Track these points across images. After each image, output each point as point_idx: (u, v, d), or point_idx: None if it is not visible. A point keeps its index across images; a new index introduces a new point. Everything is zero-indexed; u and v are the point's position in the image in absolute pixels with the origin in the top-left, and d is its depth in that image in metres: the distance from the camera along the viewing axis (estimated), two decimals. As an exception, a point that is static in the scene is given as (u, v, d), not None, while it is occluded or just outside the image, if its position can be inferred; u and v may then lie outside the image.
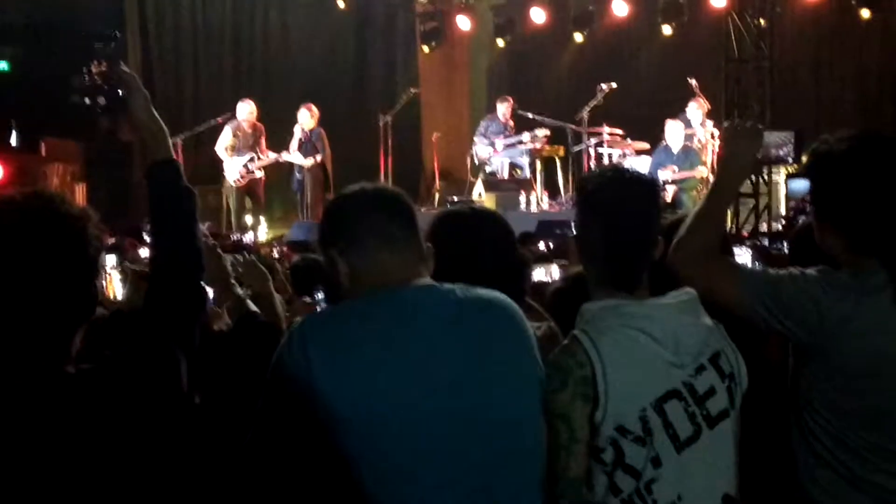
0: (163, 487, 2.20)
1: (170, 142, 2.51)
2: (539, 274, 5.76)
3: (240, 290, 3.65)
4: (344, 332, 2.34)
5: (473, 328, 2.40)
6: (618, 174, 2.89)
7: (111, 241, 8.20)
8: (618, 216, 2.74)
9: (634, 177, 2.85)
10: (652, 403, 2.61)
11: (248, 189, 13.62)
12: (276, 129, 14.03)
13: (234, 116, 13.52)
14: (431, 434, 2.30)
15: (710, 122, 13.84)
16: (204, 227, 4.24)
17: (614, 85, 14.68)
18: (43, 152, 13.55)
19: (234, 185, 13.48)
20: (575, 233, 2.86)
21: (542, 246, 8.75)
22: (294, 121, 13.73)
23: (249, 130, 13.54)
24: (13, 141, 13.73)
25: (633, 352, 2.62)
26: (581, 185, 2.99)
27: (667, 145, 13.44)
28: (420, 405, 2.30)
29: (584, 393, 2.58)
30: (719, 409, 2.69)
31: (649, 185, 2.88)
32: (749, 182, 12.85)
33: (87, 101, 2.38)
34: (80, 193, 13.81)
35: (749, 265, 4.38)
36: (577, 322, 2.73)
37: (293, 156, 13.61)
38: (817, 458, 2.88)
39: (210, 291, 3.99)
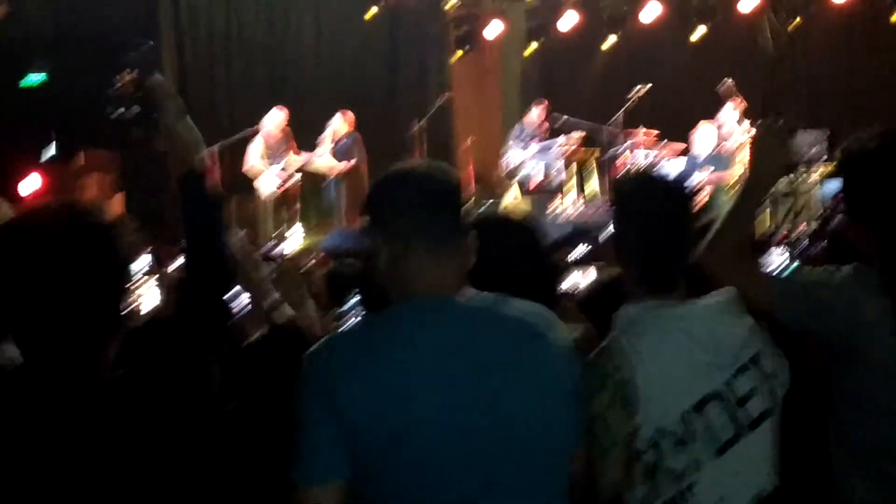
0: (195, 491, 2.22)
1: (203, 150, 2.52)
2: (574, 277, 5.75)
3: (277, 296, 3.67)
4: (367, 344, 2.32)
5: (504, 344, 2.36)
6: (649, 178, 2.91)
7: (147, 250, 8.27)
8: (650, 219, 2.75)
9: (666, 180, 2.86)
10: (692, 405, 2.60)
11: (284, 197, 13.67)
12: (309, 136, 14.07)
13: (263, 126, 13.57)
14: (450, 450, 2.27)
15: (746, 122, 13.75)
16: (242, 234, 4.27)
17: (649, 86, 14.63)
18: (80, 163, 13.67)
19: (273, 192, 13.54)
20: (612, 235, 2.87)
21: (576, 249, 8.73)
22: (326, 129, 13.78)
23: (280, 136, 13.59)
24: (51, 152, 13.86)
25: (673, 353, 2.61)
26: (616, 189, 3.01)
27: (701, 147, 13.38)
28: (440, 420, 2.27)
29: (623, 396, 2.57)
30: (761, 410, 2.68)
31: (681, 188, 2.88)
32: (786, 181, 12.75)
33: (120, 110, 2.39)
34: (117, 203, 13.92)
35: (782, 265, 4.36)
36: (614, 324, 2.73)
37: (324, 159, 13.60)
38: (853, 459, 2.86)
39: (247, 297, 4.02)
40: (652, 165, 13.17)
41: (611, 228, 2.89)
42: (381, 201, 2.45)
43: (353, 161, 13.55)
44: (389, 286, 2.42)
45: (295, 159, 13.54)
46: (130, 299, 2.28)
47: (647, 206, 2.77)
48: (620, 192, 2.91)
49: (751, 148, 3.07)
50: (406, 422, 2.25)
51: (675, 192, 2.83)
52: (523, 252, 2.99)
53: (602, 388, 2.59)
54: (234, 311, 3.10)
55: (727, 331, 2.67)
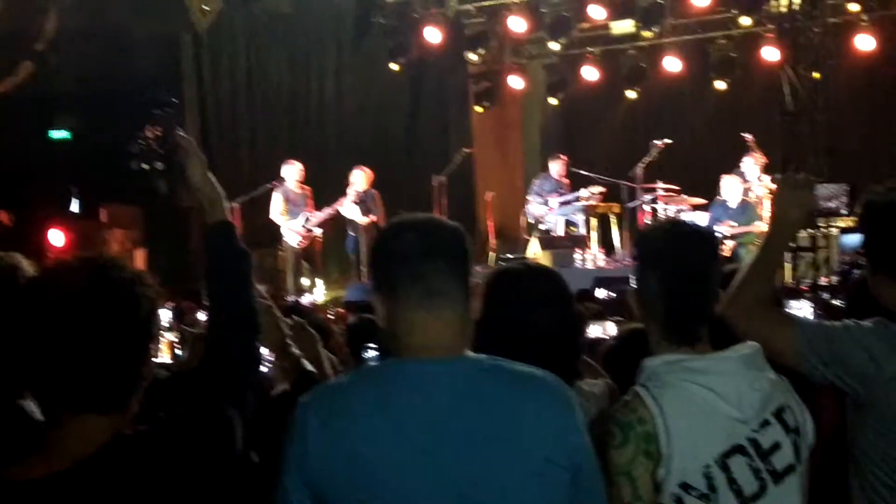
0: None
1: (226, 204, 2.53)
2: (595, 331, 5.74)
3: (296, 351, 3.67)
4: (343, 401, 2.28)
5: (486, 422, 2.24)
6: (676, 228, 2.88)
7: (170, 305, 8.30)
8: (676, 270, 2.72)
9: (693, 230, 2.83)
10: (716, 459, 2.58)
11: (305, 252, 13.74)
12: (331, 190, 14.15)
13: (282, 181, 13.66)
14: None
15: (766, 177, 13.75)
16: (262, 289, 4.28)
17: (668, 141, 14.68)
18: (103, 218, 13.76)
19: (295, 247, 13.60)
20: (634, 287, 2.84)
21: (598, 303, 8.71)
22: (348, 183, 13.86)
23: (299, 191, 13.68)
24: (74, 207, 13.97)
25: (696, 407, 2.59)
26: (639, 239, 2.98)
27: (724, 200, 13.40)
28: (408, 484, 2.20)
29: (646, 449, 2.55)
30: (785, 465, 2.66)
31: (708, 239, 2.85)
32: (807, 235, 12.74)
33: (144, 165, 2.41)
34: (140, 259, 13.99)
35: (804, 317, 4.33)
36: (637, 377, 2.71)
37: (350, 210, 13.67)
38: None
39: (267, 353, 4.02)
40: (675, 217, 13.16)
41: (634, 280, 2.85)
42: (378, 253, 2.40)
43: (372, 216, 13.62)
44: (387, 342, 2.38)
45: (317, 215, 13.60)
46: (153, 354, 2.29)
47: (673, 255, 2.74)
48: (645, 242, 2.87)
49: (771, 201, 3.06)
50: (369, 492, 2.20)
51: (703, 242, 2.79)
52: (547, 302, 2.97)
53: (625, 441, 2.57)
54: (261, 364, 3.10)
55: (751, 385, 2.65)
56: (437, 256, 2.32)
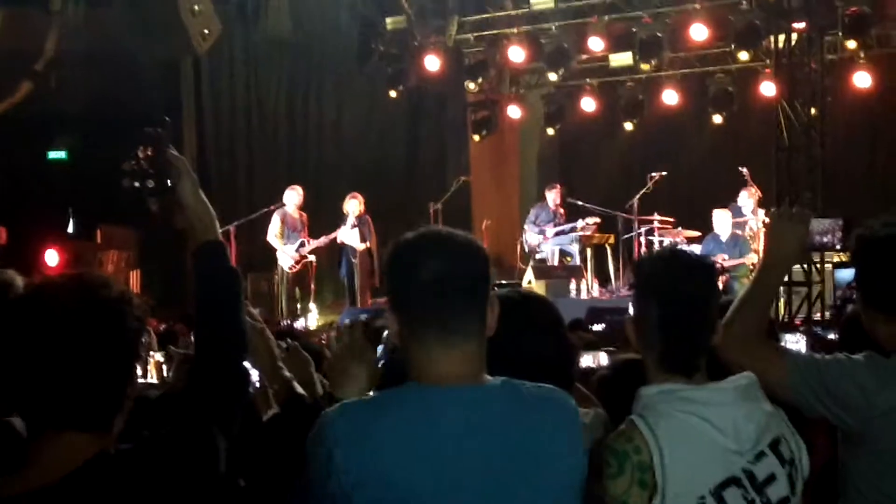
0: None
1: (217, 225, 2.52)
2: (587, 360, 5.74)
3: (287, 374, 3.66)
4: (365, 422, 2.28)
5: (506, 437, 2.27)
6: (675, 256, 2.87)
7: (163, 326, 8.29)
8: (674, 299, 2.70)
9: (692, 259, 2.82)
10: (711, 490, 2.56)
11: (300, 276, 13.75)
12: (328, 216, 14.18)
13: (282, 205, 13.69)
14: None
15: (761, 211, 13.79)
16: (256, 312, 4.27)
17: (664, 173, 14.73)
18: (98, 239, 13.77)
19: (287, 271, 13.62)
20: (631, 315, 2.83)
21: (591, 333, 8.71)
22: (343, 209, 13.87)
23: (297, 216, 13.71)
24: (70, 228, 13.98)
25: (691, 438, 2.58)
26: (638, 266, 2.97)
27: (715, 234, 13.47)
28: None
29: (641, 479, 2.54)
30: (780, 497, 2.64)
31: (707, 268, 2.83)
32: (801, 270, 12.76)
33: (135, 184, 2.40)
34: (134, 280, 13.99)
35: (797, 351, 4.33)
36: (634, 406, 2.70)
37: (348, 235, 13.68)
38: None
39: (257, 375, 4.01)
40: (674, 245, 13.21)
41: (631, 308, 2.84)
42: (396, 276, 2.38)
43: (366, 243, 13.65)
44: (404, 359, 2.38)
45: (313, 241, 13.63)
46: (138, 373, 2.28)
47: (671, 284, 2.72)
48: (643, 270, 2.86)
49: (766, 234, 3.06)
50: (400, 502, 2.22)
51: (701, 271, 2.78)
52: (540, 329, 2.96)
53: (621, 471, 2.55)
54: (249, 386, 3.09)
55: (746, 417, 2.64)
56: (456, 294, 2.31)
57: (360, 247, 13.61)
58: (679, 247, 11.87)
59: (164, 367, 5.27)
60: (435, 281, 2.29)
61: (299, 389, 3.62)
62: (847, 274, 12.08)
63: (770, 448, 2.65)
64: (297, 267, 13.66)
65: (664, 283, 2.73)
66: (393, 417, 2.28)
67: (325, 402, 3.01)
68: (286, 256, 13.60)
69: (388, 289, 2.40)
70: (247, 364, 2.52)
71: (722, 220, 13.50)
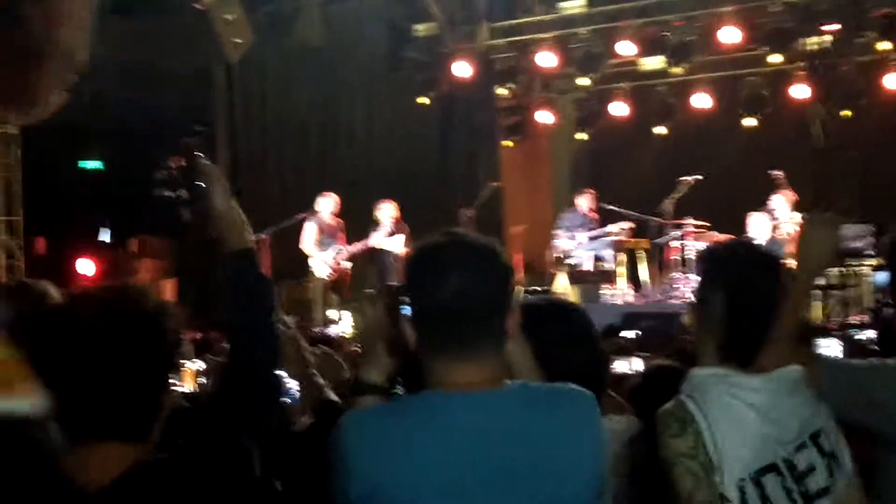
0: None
1: (249, 233, 2.54)
2: (621, 366, 5.72)
3: (321, 380, 3.68)
4: (383, 426, 2.30)
5: (526, 442, 2.27)
6: (744, 248, 2.89)
7: (198, 336, 8.33)
8: (743, 290, 2.72)
9: (761, 252, 2.84)
10: (751, 475, 2.59)
11: (335, 283, 13.77)
12: (359, 223, 14.21)
13: (315, 212, 13.72)
14: None
15: (796, 214, 13.70)
16: (290, 320, 4.29)
17: (698, 177, 14.67)
18: (133, 249, 13.87)
19: (325, 279, 13.64)
20: (695, 303, 2.84)
21: (625, 339, 8.68)
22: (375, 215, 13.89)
23: (333, 223, 13.74)
24: (105, 237, 14.09)
25: (736, 422, 2.61)
26: (706, 256, 2.99)
27: (752, 238, 13.37)
28: None
29: (702, 446, 2.57)
30: (819, 487, 2.65)
31: (774, 262, 2.84)
32: (838, 273, 12.66)
33: (167, 193, 2.42)
34: (169, 289, 14.08)
35: (832, 355, 4.31)
36: (683, 387, 2.72)
37: (387, 241, 13.69)
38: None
39: (294, 384, 4.03)
40: (745, 237, 13.17)
41: (695, 296, 2.84)
42: (414, 290, 2.37)
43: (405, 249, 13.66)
44: (421, 363, 2.38)
45: (349, 248, 13.66)
46: (175, 383, 2.30)
47: (742, 275, 2.74)
48: (712, 260, 2.87)
49: (797, 239, 3.06)
50: None
51: (769, 265, 2.79)
52: (573, 337, 2.96)
53: (683, 431, 2.58)
54: (282, 393, 3.10)
55: (792, 407, 2.65)
56: (475, 311, 2.30)
57: (403, 251, 13.58)
58: (747, 238, 11.84)
59: (201, 375, 5.31)
60: (454, 299, 2.28)
61: (332, 396, 3.65)
62: (885, 277, 11.97)
63: (811, 439, 2.66)
64: (335, 275, 13.69)
65: (734, 273, 2.75)
66: (406, 424, 2.30)
67: (348, 390, 3.00)
68: (323, 264, 13.63)
69: (408, 297, 2.39)
70: (280, 372, 2.54)
71: (758, 224, 13.40)
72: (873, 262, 12.65)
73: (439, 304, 2.30)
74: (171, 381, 2.28)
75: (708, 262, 2.88)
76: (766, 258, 2.81)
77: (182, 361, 5.41)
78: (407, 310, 2.36)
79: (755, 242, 3.25)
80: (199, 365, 5.46)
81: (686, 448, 2.57)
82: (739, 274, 2.74)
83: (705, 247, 12.88)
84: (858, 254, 10.87)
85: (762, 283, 2.73)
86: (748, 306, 2.71)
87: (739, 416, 2.60)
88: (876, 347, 5.32)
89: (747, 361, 2.70)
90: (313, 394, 3.67)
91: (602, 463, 2.36)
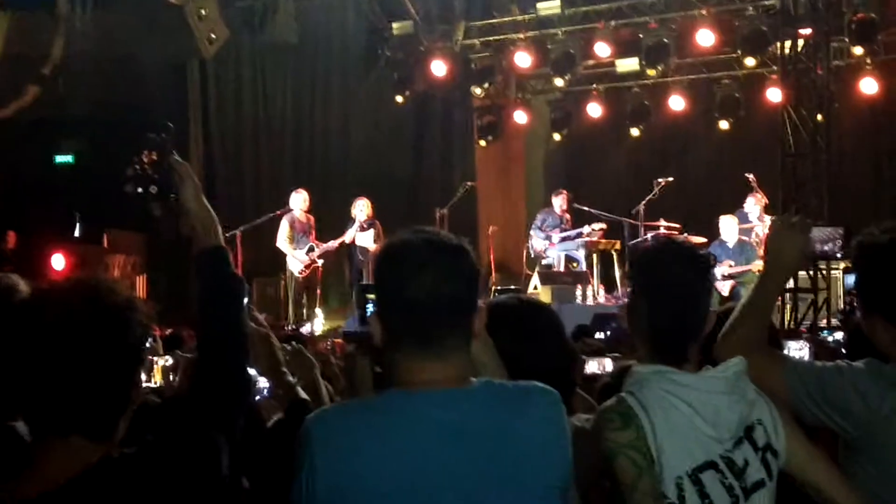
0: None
1: (219, 230, 2.54)
2: (592, 367, 5.74)
3: (291, 379, 3.68)
4: (346, 424, 2.30)
5: (488, 440, 2.27)
6: (664, 245, 2.89)
7: (169, 331, 8.30)
8: (662, 287, 2.72)
9: (682, 249, 2.82)
10: (688, 472, 2.60)
11: (307, 281, 13.74)
12: (333, 220, 14.19)
13: (289, 209, 13.69)
14: None
15: (767, 217, 13.77)
16: (262, 317, 4.28)
17: (671, 179, 14.73)
18: (105, 243, 13.80)
19: (298, 276, 13.61)
20: (625, 303, 2.85)
21: (596, 339, 8.71)
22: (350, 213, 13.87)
23: (304, 220, 13.72)
24: (77, 232, 14.01)
25: (675, 419, 2.62)
26: (631, 255, 3.00)
27: (722, 240, 13.46)
28: None
29: (643, 440, 2.58)
30: (754, 481, 2.67)
31: (698, 258, 2.81)
32: (807, 276, 12.74)
33: (138, 189, 2.42)
34: (140, 284, 14.02)
35: (797, 358, 4.33)
36: (625, 383, 2.73)
37: (360, 237, 13.66)
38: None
39: (265, 381, 4.03)
40: (670, 235, 13.28)
41: (626, 297, 2.85)
42: (381, 287, 2.37)
43: (378, 244, 13.63)
44: (386, 363, 2.39)
45: (322, 245, 13.63)
46: (142, 378, 2.29)
47: (659, 272, 2.73)
48: (637, 259, 2.88)
49: (766, 242, 3.07)
50: None
51: (692, 260, 2.78)
52: (539, 336, 2.98)
53: (626, 426, 2.58)
54: (252, 391, 3.10)
55: (729, 406, 2.66)
56: (442, 310, 2.30)
57: (374, 247, 13.57)
58: (673, 237, 11.88)
59: (171, 372, 5.29)
60: (420, 298, 2.28)
61: (303, 394, 3.64)
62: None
63: (745, 435, 2.68)
64: (307, 272, 13.66)
65: (652, 270, 2.76)
66: (370, 422, 2.29)
67: None
68: (296, 261, 13.60)
69: (375, 293, 2.40)
70: (251, 370, 2.53)
71: (728, 227, 13.49)
72: (842, 264, 12.74)
73: (407, 301, 2.29)
74: (138, 376, 2.27)
75: (631, 262, 2.90)
76: (687, 254, 2.79)
77: (152, 357, 5.40)
78: (372, 306, 2.37)
79: (680, 240, 3.24)
80: (170, 361, 5.45)
81: (628, 440, 2.58)
82: (658, 271, 2.74)
83: (631, 245, 13.06)
84: (827, 257, 10.95)
85: (681, 280, 2.71)
86: (667, 303, 2.71)
87: (677, 414, 2.61)
88: (844, 350, 5.35)
89: (678, 359, 2.71)
90: (284, 392, 3.67)
91: (567, 460, 2.36)
